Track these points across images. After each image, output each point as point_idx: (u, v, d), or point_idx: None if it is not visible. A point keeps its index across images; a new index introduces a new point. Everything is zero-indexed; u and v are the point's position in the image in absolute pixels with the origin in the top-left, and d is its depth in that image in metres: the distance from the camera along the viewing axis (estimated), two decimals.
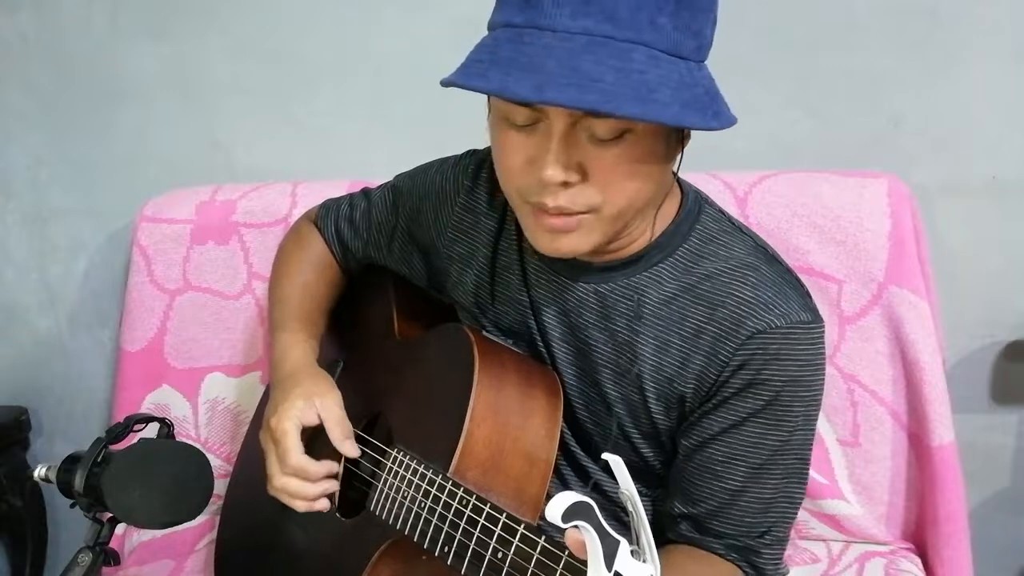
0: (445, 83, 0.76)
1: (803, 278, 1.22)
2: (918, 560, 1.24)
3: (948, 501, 1.21)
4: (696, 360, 0.88)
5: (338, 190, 1.32)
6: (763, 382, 0.86)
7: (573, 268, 0.93)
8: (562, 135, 0.77)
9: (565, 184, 0.78)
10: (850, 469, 1.26)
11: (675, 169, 0.87)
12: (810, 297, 0.91)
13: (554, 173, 0.77)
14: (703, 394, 0.89)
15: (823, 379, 0.90)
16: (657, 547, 0.90)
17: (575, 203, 0.80)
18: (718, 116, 0.77)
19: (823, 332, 0.89)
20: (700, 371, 0.88)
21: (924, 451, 1.23)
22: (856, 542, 1.28)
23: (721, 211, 0.95)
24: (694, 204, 0.93)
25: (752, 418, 0.87)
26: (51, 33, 1.58)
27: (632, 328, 0.91)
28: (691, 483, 0.92)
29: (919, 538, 1.26)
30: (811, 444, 0.92)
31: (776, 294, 0.87)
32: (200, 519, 1.16)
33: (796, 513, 0.94)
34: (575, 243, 0.83)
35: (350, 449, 0.96)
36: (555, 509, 0.63)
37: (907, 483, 1.25)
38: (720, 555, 0.92)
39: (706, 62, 0.79)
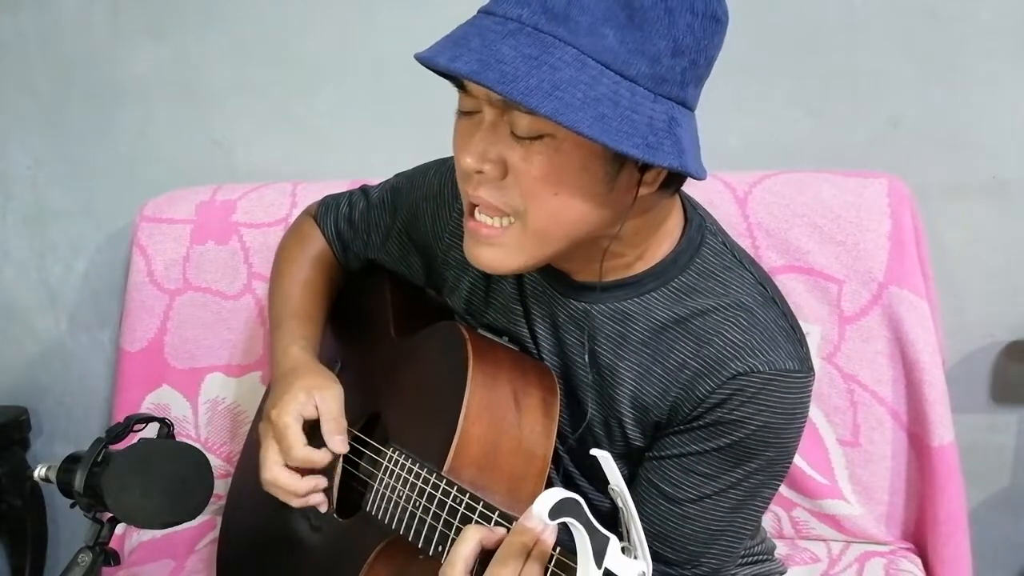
0: (418, 58, 0.78)
1: (803, 278, 1.24)
2: (918, 560, 1.24)
3: (948, 501, 1.21)
4: (674, 392, 0.87)
5: (338, 190, 1.32)
6: (733, 422, 0.84)
7: (565, 284, 0.92)
8: (488, 125, 0.78)
9: (479, 173, 0.79)
10: (850, 469, 1.26)
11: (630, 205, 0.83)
12: (803, 345, 0.88)
13: (470, 161, 0.78)
14: (675, 422, 0.88)
15: (800, 428, 0.88)
16: None
17: (494, 197, 0.79)
18: (653, 149, 0.73)
19: (808, 382, 0.87)
20: (675, 403, 0.87)
21: (924, 451, 1.23)
22: (856, 542, 1.28)
23: (724, 243, 0.92)
24: (696, 234, 0.90)
25: (714, 452, 0.86)
26: (51, 33, 1.58)
27: (616, 353, 0.90)
28: (640, 498, 0.89)
29: (919, 538, 1.26)
30: (775, 487, 0.90)
31: (765, 340, 0.85)
32: (200, 519, 1.16)
33: (739, 549, 0.92)
34: (497, 257, 0.82)
35: (338, 445, 0.95)
36: (542, 506, 0.63)
37: (907, 483, 1.25)
38: None
39: (675, 102, 0.75)
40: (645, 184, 0.79)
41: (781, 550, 1.23)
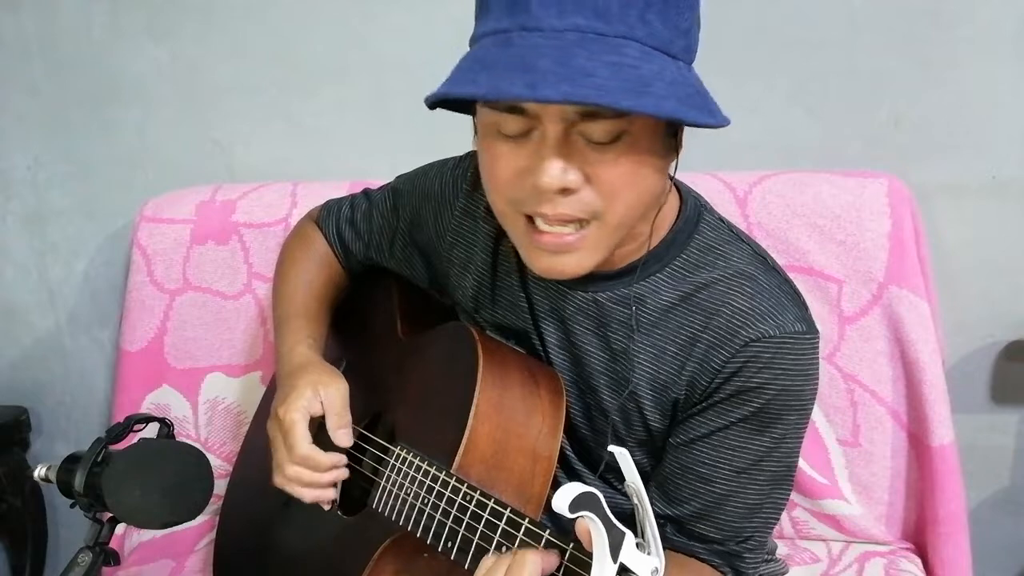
0: (431, 99, 0.73)
1: (803, 278, 1.24)
2: (918, 560, 1.24)
3: (948, 501, 1.21)
4: (689, 367, 0.88)
5: (338, 190, 1.32)
6: (753, 389, 0.86)
7: None
8: (557, 140, 0.75)
9: (564, 191, 0.76)
10: (850, 469, 1.26)
11: (671, 173, 0.86)
12: (807, 308, 0.91)
13: (551, 180, 0.74)
14: (694, 399, 0.89)
15: (815, 390, 0.90)
16: None
17: (575, 208, 0.77)
18: (713, 114, 0.75)
19: (817, 343, 0.88)
20: (692, 377, 0.88)
21: (924, 451, 1.23)
22: (856, 542, 1.28)
23: (721, 219, 0.94)
24: (693, 212, 0.92)
25: (740, 423, 0.87)
26: (51, 33, 1.58)
27: (629, 337, 0.91)
28: (675, 483, 0.91)
29: (919, 538, 1.26)
30: (798, 452, 0.92)
31: (772, 305, 0.86)
32: (200, 519, 1.16)
33: (778, 519, 0.94)
34: (578, 262, 0.81)
35: (343, 438, 0.96)
36: (562, 499, 0.63)
37: (907, 483, 1.25)
38: (703, 560, 0.91)
39: (694, 65, 0.78)
40: (678, 151, 0.83)
41: (781, 550, 1.23)
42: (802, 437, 0.92)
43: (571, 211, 0.77)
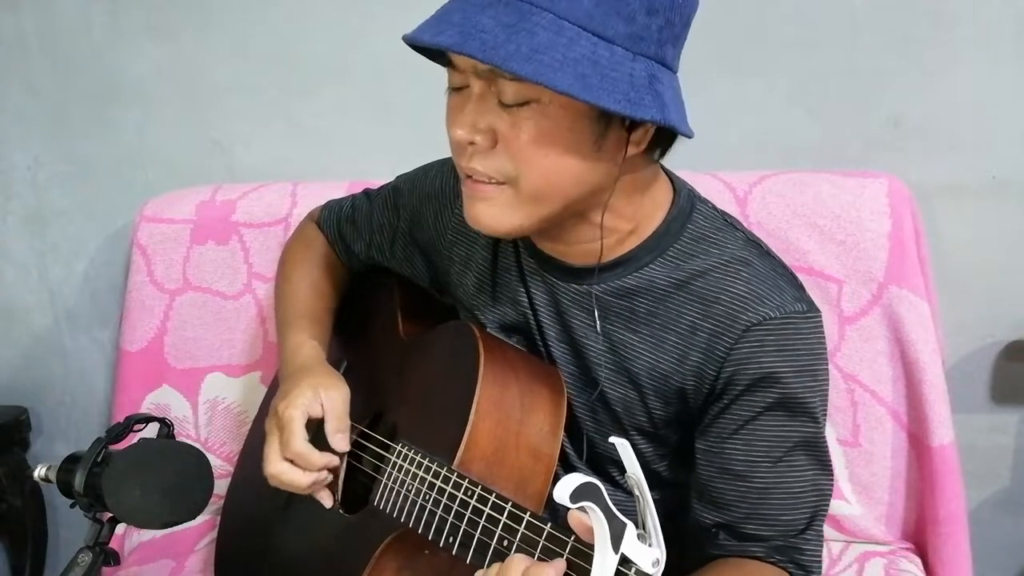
0: (407, 39, 0.79)
1: (803, 278, 1.22)
2: (918, 560, 1.24)
3: (948, 501, 1.21)
4: (693, 356, 0.88)
5: (338, 190, 1.32)
6: (769, 376, 0.85)
7: (563, 270, 0.93)
8: (477, 97, 0.79)
9: (472, 144, 0.81)
10: (850, 469, 1.26)
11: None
12: (804, 290, 0.91)
13: (461, 133, 0.80)
14: (707, 391, 0.89)
15: (827, 367, 0.90)
16: (699, 564, 0.89)
17: (487, 167, 0.81)
18: (634, 104, 0.75)
19: (820, 322, 0.89)
20: (698, 367, 0.88)
21: (924, 451, 1.23)
22: (856, 542, 1.28)
23: (714, 209, 0.94)
24: (686, 203, 0.92)
25: (766, 412, 0.87)
26: (51, 33, 1.58)
27: (627, 327, 0.91)
28: (716, 488, 0.90)
29: (919, 538, 1.26)
30: (824, 434, 0.91)
31: (770, 287, 0.87)
32: (200, 519, 1.16)
33: (828, 506, 0.92)
34: (493, 216, 0.84)
35: (339, 443, 0.96)
36: (563, 489, 0.63)
37: (907, 483, 1.25)
38: (761, 558, 0.90)
39: (654, 60, 0.77)
40: (633, 143, 0.81)
41: None
42: (824, 420, 0.91)
43: (483, 168, 0.82)
